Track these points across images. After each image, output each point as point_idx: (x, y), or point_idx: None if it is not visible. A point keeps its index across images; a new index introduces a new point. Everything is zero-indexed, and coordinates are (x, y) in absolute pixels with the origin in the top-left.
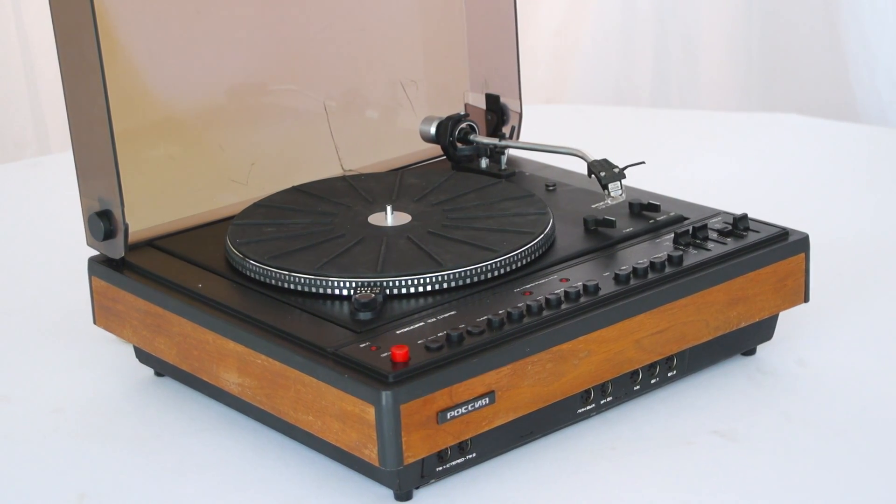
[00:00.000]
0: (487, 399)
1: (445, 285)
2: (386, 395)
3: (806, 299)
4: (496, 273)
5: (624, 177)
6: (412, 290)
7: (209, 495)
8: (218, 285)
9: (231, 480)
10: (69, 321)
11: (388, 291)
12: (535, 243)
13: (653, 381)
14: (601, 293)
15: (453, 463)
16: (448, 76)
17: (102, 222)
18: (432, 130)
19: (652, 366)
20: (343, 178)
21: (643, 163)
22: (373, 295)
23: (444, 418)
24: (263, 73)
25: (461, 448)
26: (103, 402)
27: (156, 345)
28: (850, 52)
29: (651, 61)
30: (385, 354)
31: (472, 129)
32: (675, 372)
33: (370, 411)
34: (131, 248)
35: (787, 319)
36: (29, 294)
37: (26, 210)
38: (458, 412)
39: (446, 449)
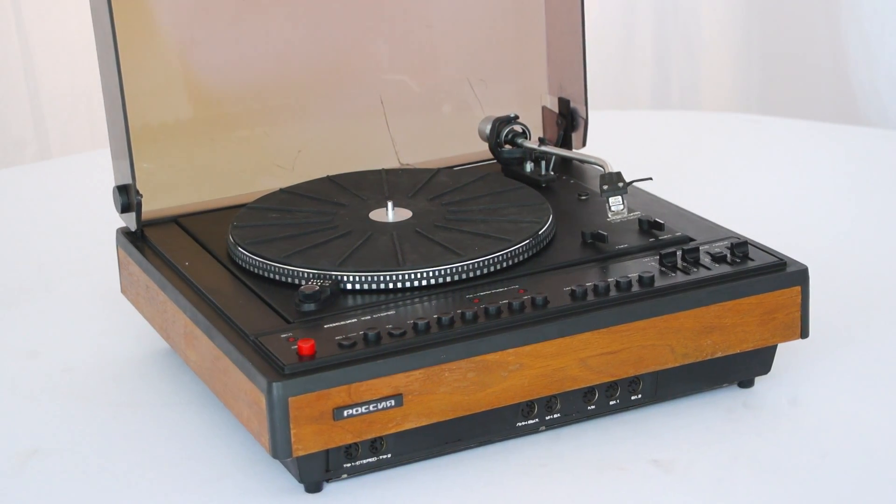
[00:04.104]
0: (393, 401)
1: (400, 285)
2: (276, 386)
3: (804, 335)
4: (456, 277)
5: (626, 192)
6: (365, 286)
7: (138, 467)
8: (203, 265)
9: (167, 455)
10: (112, 292)
11: (341, 286)
12: (505, 252)
13: (611, 403)
14: (549, 307)
15: (364, 461)
16: (532, 77)
17: (121, 196)
18: (487, 131)
19: (611, 387)
20: (378, 171)
21: (650, 178)
22: (317, 287)
23: (340, 415)
24: (321, 63)
25: (374, 447)
26: (110, 368)
27: (152, 317)
28: (850, 53)
29: (651, 63)
30: (294, 346)
31: (522, 133)
32: (639, 396)
33: (263, 400)
34: (158, 223)
35: (800, 351)
36: (78, 266)
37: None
38: (356, 411)
39: (356, 446)
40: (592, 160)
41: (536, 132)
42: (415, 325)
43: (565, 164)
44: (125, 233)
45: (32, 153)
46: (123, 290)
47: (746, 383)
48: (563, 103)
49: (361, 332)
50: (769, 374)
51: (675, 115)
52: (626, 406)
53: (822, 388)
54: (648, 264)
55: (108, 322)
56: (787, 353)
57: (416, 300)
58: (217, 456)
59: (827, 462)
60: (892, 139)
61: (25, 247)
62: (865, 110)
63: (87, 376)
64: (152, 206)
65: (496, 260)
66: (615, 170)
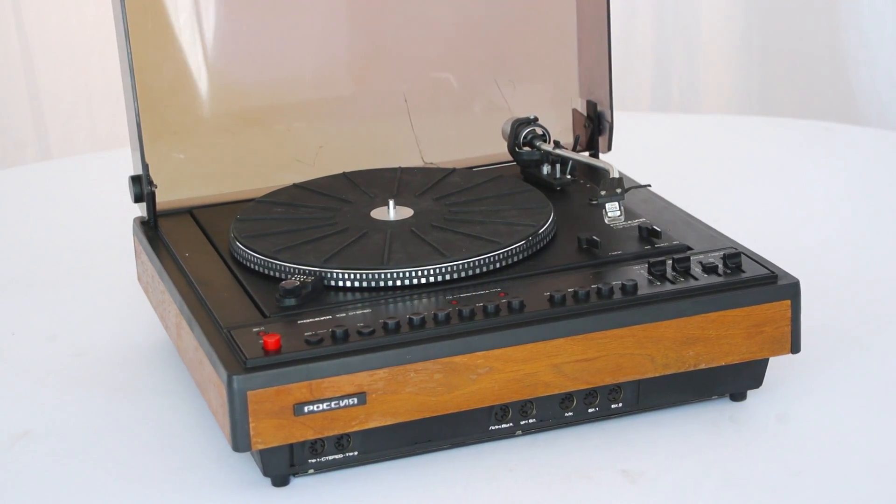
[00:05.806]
0: (356, 399)
1: (382, 283)
2: (236, 380)
3: (794, 350)
4: (440, 278)
5: (623, 198)
6: (347, 283)
7: (116, 453)
8: (203, 258)
9: (147, 442)
10: (133, 282)
11: (325, 282)
12: (492, 255)
13: (591, 411)
14: (524, 311)
15: (330, 458)
16: (565, 80)
17: (134, 186)
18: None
19: (591, 394)
20: (394, 169)
21: (649, 185)
22: (297, 282)
23: (300, 411)
24: (347, 58)
25: (341, 444)
26: (119, 354)
27: (155, 305)
28: (850, 53)
29: (651, 63)
30: (261, 341)
31: (542, 135)
32: (620, 405)
33: (225, 393)
34: (173, 213)
35: (799, 364)
36: (104, 254)
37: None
38: (317, 407)
39: (321, 442)
40: (599, 164)
41: (568, 135)
42: (384, 324)
43: (592, 169)
44: (141, 222)
45: (32, 153)
46: (139, 279)
47: (738, 396)
48: (591, 106)
49: (329, 330)
50: (764, 387)
51: (674, 118)
52: (606, 414)
53: (814, 405)
54: (637, 272)
55: (127, 310)
56: (786, 366)
57: (399, 299)
58: (194, 446)
59: (799, 480)
60: (891, 139)
61: (36, 244)
62: (865, 110)
63: (95, 361)
64: (171, 196)
65: (482, 262)
66: (618, 175)
